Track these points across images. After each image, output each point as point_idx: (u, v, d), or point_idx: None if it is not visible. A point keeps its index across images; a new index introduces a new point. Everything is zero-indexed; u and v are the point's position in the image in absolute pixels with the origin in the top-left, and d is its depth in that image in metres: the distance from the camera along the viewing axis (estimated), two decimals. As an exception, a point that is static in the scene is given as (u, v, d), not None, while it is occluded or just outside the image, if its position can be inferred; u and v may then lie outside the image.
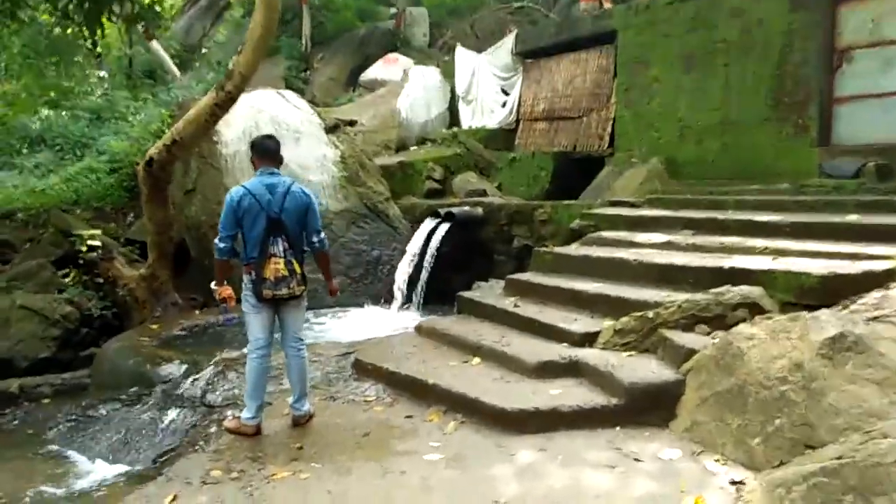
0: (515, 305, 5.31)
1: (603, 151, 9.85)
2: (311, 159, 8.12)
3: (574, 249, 6.10)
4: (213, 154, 7.67)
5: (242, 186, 3.89)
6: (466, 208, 8.07)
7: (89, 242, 7.39)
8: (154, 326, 6.16)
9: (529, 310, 5.16)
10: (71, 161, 11.39)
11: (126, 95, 13.87)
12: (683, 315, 4.29)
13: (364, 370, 4.76)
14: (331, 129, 8.51)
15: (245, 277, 3.90)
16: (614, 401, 3.80)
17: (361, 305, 7.65)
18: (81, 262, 7.31)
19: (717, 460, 3.31)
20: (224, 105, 5.94)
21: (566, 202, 7.74)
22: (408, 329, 5.80)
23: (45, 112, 13.81)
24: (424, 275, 7.59)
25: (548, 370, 4.24)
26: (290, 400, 4.07)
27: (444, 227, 7.74)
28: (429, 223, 7.89)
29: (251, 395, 3.91)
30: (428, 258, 7.61)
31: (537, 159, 10.24)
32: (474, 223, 8.07)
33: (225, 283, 3.97)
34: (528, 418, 3.73)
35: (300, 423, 4.02)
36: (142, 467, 4.03)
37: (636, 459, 3.34)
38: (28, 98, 14.58)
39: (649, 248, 5.75)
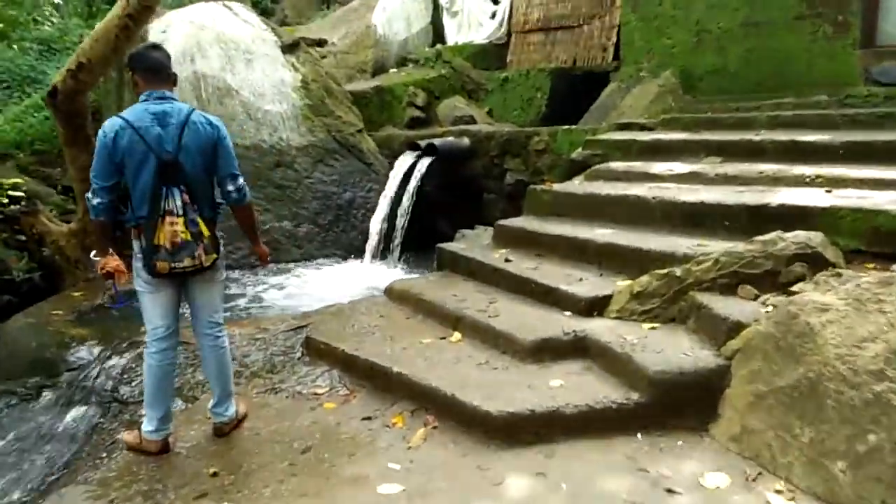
0: (506, 260, 4.29)
1: (607, 66, 8.61)
2: (266, 85, 6.94)
3: (578, 186, 5.04)
4: (148, 84, 6.48)
5: (119, 117, 2.80)
6: (450, 139, 6.95)
7: (10, 193, 6.33)
8: (76, 294, 5.17)
9: (524, 265, 4.15)
10: (19, 99, 10.22)
11: (80, 24, 12.51)
12: (722, 272, 3.28)
13: (317, 351, 3.80)
14: (289, 49, 7.28)
15: (134, 244, 2.87)
16: (635, 396, 2.84)
17: (332, 258, 6.65)
18: (1, 216, 6.26)
19: (782, 491, 2.37)
20: (139, 16, 4.75)
21: (566, 127, 6.61)
22: (378, 291, 4.81)
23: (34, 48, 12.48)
24: (402, 221, 6.55)
25: (547, 351, 3.27)
26: (210, 403, 3.12)
27: (425, 162, 6.64)
28: (406, 158, 6.79)
29: (151, 404, 2.95)
30: (406, 200, 6.56)
31: (532, 78, 9.02)
32: (460, 156, 6.97)
33: (111, 251, 2.93)
34: (520, 425, 2.78)
35: (223, 432, 3.08)
36: (19, 495, 3.11)
37: (669, 490, 2.40)
38: (18, 37, 13.20)
39: (670, 182, 4.69)
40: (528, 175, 6.68)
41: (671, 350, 2.98)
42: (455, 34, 10.46)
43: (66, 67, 4.84)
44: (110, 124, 2.78)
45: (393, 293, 4.44)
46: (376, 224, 6.60)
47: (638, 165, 5.13)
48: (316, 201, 6.77)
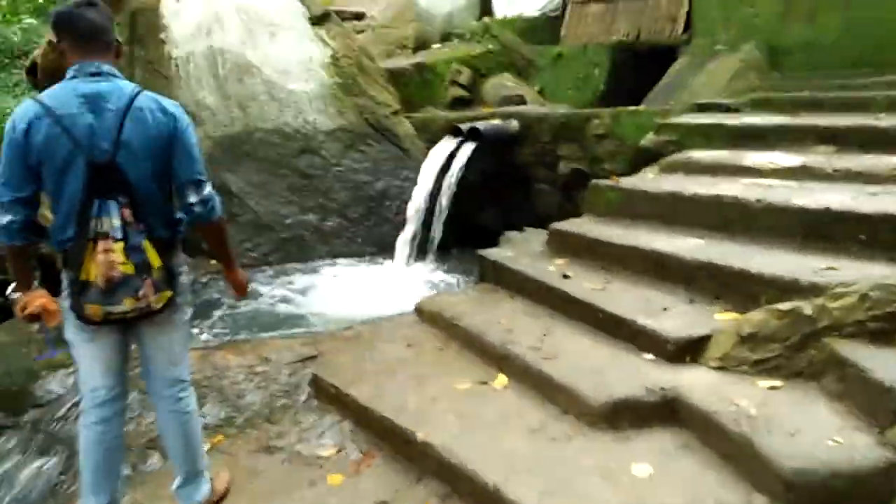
0: (564, 276, 3.44)
1: (676, 39, 7.58)
2: (292, 62, 6.17)
3: (652, 181, 4.12)
4: (159, 58, 5.80)
5: (36, 101, 2.04)
6: (496, 122, 6.07)
7: None
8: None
9: (587, 284, 3.29)
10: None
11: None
12: (873, 313, 2.37)
13: (326, 395, 3.03)
14: (318, 21, 6.49)
15: (62, 276, 2.13)
16: (760, 501, 1.98)
17: (362, 256, 5.88)
18: None
19: None
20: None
21: (632, 109, 5.65)
22: (409, 298, 4.02)
23: (28, 20, 12.06)
24: (440, 215, 5.73)
25: (625, 415, 2.42)
26: (174, 483, 2.37)
27: (467, 149, 5.79)
28: (446, 144, 5.95)
29: (90, 488, 2.21)
30: (445, 192, 5.73)
31: (589, 54, 8.05)
32: (507, 142, 6.08)
33: (35, 284, 2.20)
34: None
35: (191, 521, 2.34)
36: None
37: None
38: (10, 4, 12.82)
39: (772, 178, 3.74)
40: (585, 163, 5.77)
41: (809, 430, 2.10)
42: (505, 6, 9.51)
43: (47, 39, 4.14)
44: (22, 111, 2.02)
45: (424, 313, 3.64)
46: (411, 219, 5.79)
47: (727, 156, 4.18)
48: (345, 192, 6.01)
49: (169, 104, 2.16)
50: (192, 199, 2.18)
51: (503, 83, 8.41)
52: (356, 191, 6.05)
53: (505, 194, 6.41)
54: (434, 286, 5.11)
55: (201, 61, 5.81)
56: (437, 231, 5.73)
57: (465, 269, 5.56)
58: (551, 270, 3.56)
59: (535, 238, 4.28)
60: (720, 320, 2.79)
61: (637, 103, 6.70)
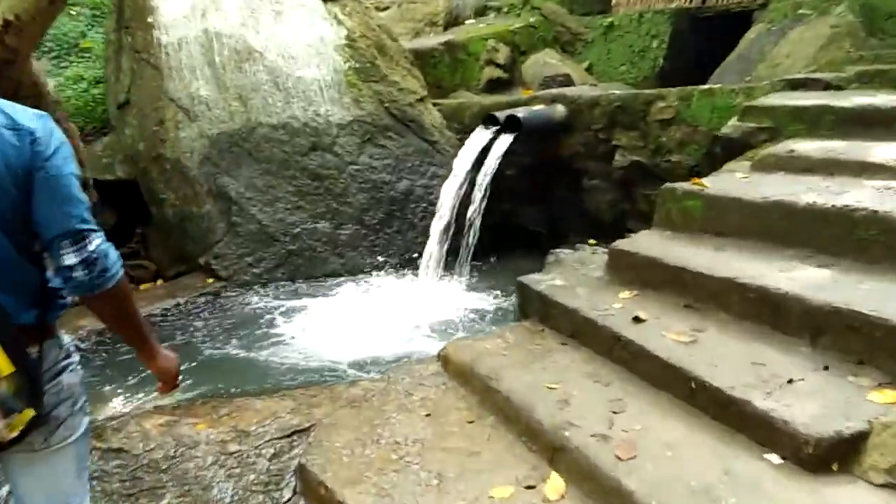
0: (635, 319, 2.56)
1: (749, 2, 6.53)
2: (300, 44, 5.35)
3: (745, 182, 3.17)
4: (147, 45, 5.04)
5: None
6: (539, 108, 5.15)
7: None
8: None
9: (670, 336, 2.40)
10: (66, 68, 9.21)
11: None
12: None
13: (315, 495, 2.23)
14: (331, -3, 5.65)
15: None
16: None
17: (383, 269, 5.07)
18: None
19: None
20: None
21: (705, 88, 4.67)
22: (438, 327, 3.22)
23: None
24: (473, 219, 4.88)
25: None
26: None
27: (505, 140, 4.90)
28: (481, 135, 5.07)
29: None
30: (478, 192, 4.87)
31: (646, 24, 7.05)
32: (551, 130, 5.17)
33: None
34: None
35: None
36: None
37: None
38: None
39: (917, 180, 2.77)
40: (647, 155, 4.82)
41: None
42: (544, -27, 8.48)
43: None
44: None
45: (450, 364, 2.80)
46: (440, 224, 4.95)
47: (843, 148, 3.21)
48: (363, 194, 5.19)
49: (26, 116, 1.36)
50: (70, 259, 1.38)
51: (545, 60, 7.47)
52: (376, 192, 5.23)
53: (549, 191, 5.52)
54: (468, 311, 4.27)
55: (195, 48, 5.04)
56: (470, 238, 4.88)
57: (504, 284, 4.71)
58: (617, 309, 2.69)
59: (589, 258, 3.39)
60: (878, 403, 1.89)
61: (703, 80, 5.71)
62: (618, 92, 5.10)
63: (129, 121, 5.16)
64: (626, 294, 2.83)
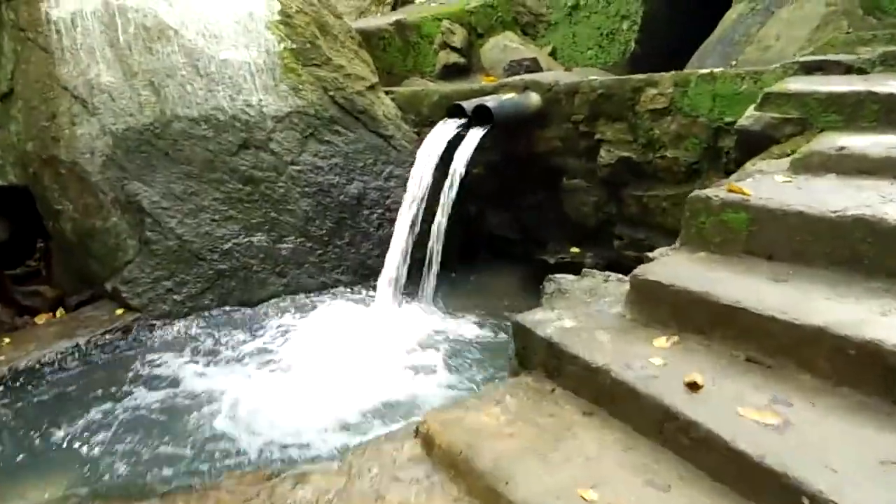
0: (692, 386, 1.87)
1: (730, -22, 5.96)
2: (226, 21, 4.47)
3: (795, 189, 2.52)
4: (34, 21, 4.08)
5: None
6: (510, 97, 4.43)
7: None
8: None
9: (746, 416, 1.73)
10: None
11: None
12: None
13: None
14: (261, -34, 4.77)
15: None
16: None
17: (332, 290, 4.28)
18: None
19: None
20: None
21: (705, 72, 4.02)
22: (400, 361, 2.50)
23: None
24: (439, 229, 4.13)
25: None
26: None
27: (475, 134, 4.16)
28: (445, 129, 4.31)
29: None
30: (445, 196, 4.12)
31: (615, 3, 6.43)
32: (523, 123, 4.46)
33: None
34: None
35: None
36: None
37: None
38: None
39: None
40: (637, 150, 4.17)
41: None
42: (500, -52, 7.74)
43: None
44: None
45: (436, 448, 2.06)
46: (400, 234, 4.18)
47: (902, 144, 2.61)
48: (306, 200, 4.37)
49: None
50: None
51: (506, 44, 6.76)
52: (322, 197, 4.42)
53: (522, 193, 4.83)
54: (443, 344, 3.53)
55: (94, 24, 4.11)
56: (436, 249, 4.13)
57: (477, 305, 4.01)
58: (659, 367, 2.00)
59: (603, 289, 2.68)
60: None
61: (679, 66, 5.12)
62: (601, 78, 4.43)
63: (14, 115, 4.18)
64: (662, 342, 2.15)
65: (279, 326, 3.83)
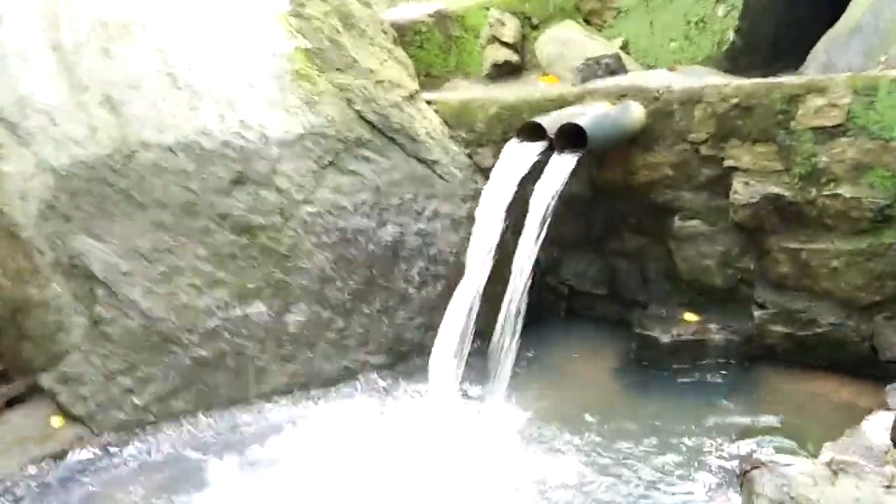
0: None
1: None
2: (215, 14, 3.32)
3: None
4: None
5: None
6: (602, 111, 3.18)
7: None
8: None
9: None
10: None
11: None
12: None
13: None
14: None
15: None
16: None
17: (357, 378, 3.09)
18: None
19: None
20: None
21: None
22: None
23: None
24: (516, 295, 2.89)
25: None
26: None
27: (564, 164, 2.92)
28: (517, 155, 3.07)
29: None
30: (525, 249, 2.88)
31: (710, -17, 5.14)
32: (618, 143, 3.22)
33: None
34: None
35: None
36: None
37: None
38: None
39: None
40: (792, 184, 2.91)
41: None
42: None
43: None
44: None
45: None
46: (464, 299, 2.93)
47: None
48: (323, 253, 3.19)
49: None
50: None
51: (568, 37, 5.51)
52: (345, 249, 3.23)
53: (611, 235, 3.60)
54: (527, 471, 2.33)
55: (30, 20, 2.97)
56: (508, 330, 2.89)
57: (563, 402, 2.79)
58: None
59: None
60: None
61: (795, 65, 3.97)
62: (735, 81, 3.16)
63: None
64: None
65: (267, 441, 2.66)
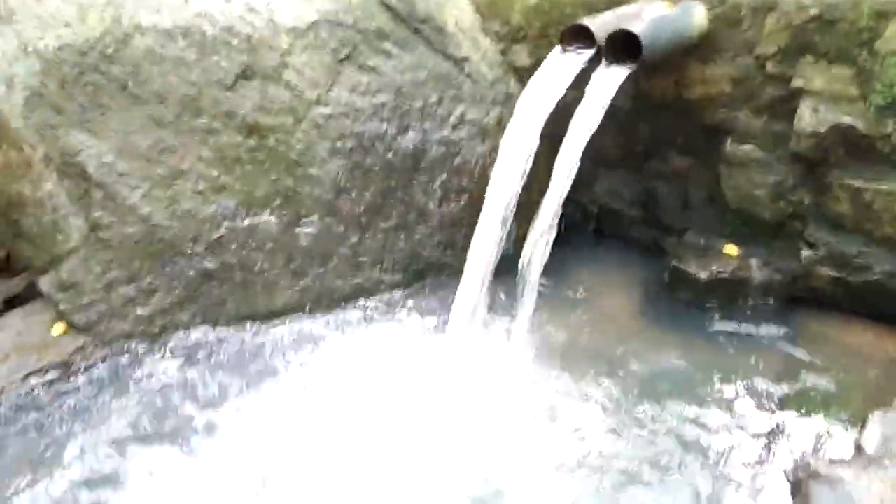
0: None
1: None
2: None
3: None
4: None
5: None
6: (660, 13, 2.77)
7: None
8: None
9: None
10: None
11: None
12: None
13: None
14: None
15: None
16: None
17: (374, 296, 2.93)
18: None
19: None
20: None
21: None
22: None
23: None
24: (547, 220, 2.65)
25: None
26: None
27: (614, 77, 2.58)
28: (560, 64, 2.71)
29: None
30: (563, 167, 2.60)
31: None
32: (673, 52, 2.84)
33: None
34: None
35: None
36: None
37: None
38: None
39: None
40: (867, 115, 2.57)
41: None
42: None
43: None
44: None
45: None
46: (493, 215, 2.70)
47: None
48: (338, 160, 2.93)
49: None
50: None
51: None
52: (361, 156, 2.96)
53: (656, 155, 3.29)
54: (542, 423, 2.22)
55: None
56: (536, 257, 2.67)
57: (585, 334, 2.64)
58: None
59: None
60: None
61: None
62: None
63: None
64: None
65: (297, 364, 2.55)
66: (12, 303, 2.84)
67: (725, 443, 2.18)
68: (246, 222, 2.78)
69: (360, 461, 2.10)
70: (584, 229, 3.53)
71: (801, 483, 1.36)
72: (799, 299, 2.89)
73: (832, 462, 1.41)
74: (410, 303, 2.93)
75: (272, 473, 2.08)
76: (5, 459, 2.11)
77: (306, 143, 2.87)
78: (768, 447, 2.12)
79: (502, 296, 2.83)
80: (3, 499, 1.98)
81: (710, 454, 2.14)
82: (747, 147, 2.95)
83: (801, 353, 2.62)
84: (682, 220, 3.27)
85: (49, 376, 2.41)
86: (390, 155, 3.01)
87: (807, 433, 2.17)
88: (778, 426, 2.21)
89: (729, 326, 2.80)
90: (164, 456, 2.14)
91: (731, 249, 3.05)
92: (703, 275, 2.87)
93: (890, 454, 1.73)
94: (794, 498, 1.41)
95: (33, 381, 2.40)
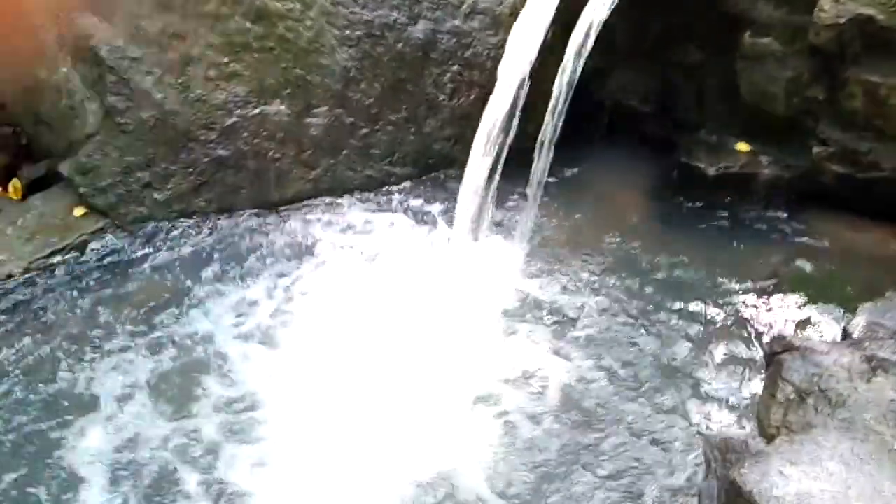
0: None
1: None
2: None
3: None
4: None
5: None
6: None
7: None
8: None
9: None
10: None
11: None
12: None
13: None
14: None
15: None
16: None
17: (382, 188, 2.99)
18: None
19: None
20: None
21: None
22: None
23: None
24: (556, 113, 2.65)
25: None
26: None
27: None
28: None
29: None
30: (572, 59, 2.57)
31: None
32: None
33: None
34: None
35: None
36: None
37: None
38: None
39: None
40: (886, 9, 2.48)
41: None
42: None
43: None
44: None
45: None
46: (495, 111, 2.71)
47: None
48: (347, 49, 2.91)
49: None
50: None
51: None
52: (371, 46, 2.94)
53: (671, 47, 3.22)
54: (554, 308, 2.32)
55: None
56: (548, 143, 2.68)
57: (592, 232, 2.70)
58: None
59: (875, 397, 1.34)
60: None
61: None
62: None
63: None
64: None
65: (308, 257, 2.65)
66: (35, 187, 2.94)
67: (716, 324, 2.28)
68: (257, 111, 2.82)
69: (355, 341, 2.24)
70: (596, 126, 3.50)
71: (776, 354, 1.44)
72: (808, 198, 2.89)
73: (810, 340, 1.48)
74: (420, 196, 2.98)
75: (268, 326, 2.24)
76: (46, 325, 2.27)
77: (315, 30, 2.85)
78: (756, 330, 2.22)
79: (513, 192, 2.86)
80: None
81: (699, 334, 2.24)
82: (766, 40, 2.87)
83: (804, 249, 2.65)
84: (695, 116, 3.24)
85: (72, 260, 2.53)
86: (400, 45, 2.99)
87: (798, 319, 2.25)
88: (769, 310, 2.28)
89: (736, 222, 2.83)
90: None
91: (743, 146, 3.03)
92: (711, 170, 2.89)
93: (872, 338, 1.80)
94: (767, 367, 1.49)
95: (56, 259, 2.52)
